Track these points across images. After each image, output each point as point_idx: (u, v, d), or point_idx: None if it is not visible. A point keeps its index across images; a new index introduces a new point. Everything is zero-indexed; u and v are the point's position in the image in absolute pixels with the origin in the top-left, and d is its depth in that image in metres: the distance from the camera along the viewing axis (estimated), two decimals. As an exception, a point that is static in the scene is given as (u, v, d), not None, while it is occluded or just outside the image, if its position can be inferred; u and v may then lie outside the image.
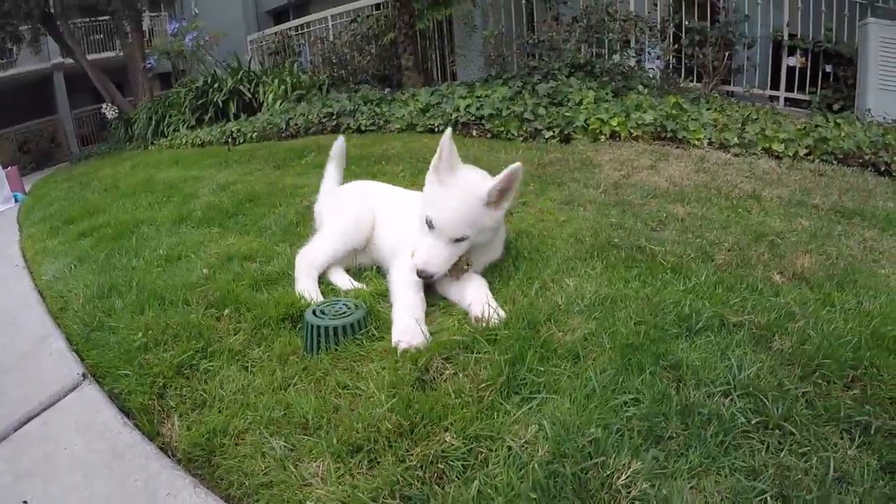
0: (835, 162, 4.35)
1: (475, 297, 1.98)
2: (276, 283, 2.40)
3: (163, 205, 4.31)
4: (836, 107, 6.91)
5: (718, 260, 2.34)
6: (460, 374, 1.65)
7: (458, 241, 2.00)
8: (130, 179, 6.11)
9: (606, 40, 7.06)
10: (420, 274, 1.99)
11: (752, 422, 1.41)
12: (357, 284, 2.29)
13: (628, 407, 1.45)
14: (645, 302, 1.92)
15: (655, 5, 7.64)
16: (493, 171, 2.10)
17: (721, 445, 1.34)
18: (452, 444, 1.37)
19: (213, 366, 1.86)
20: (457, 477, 1.30)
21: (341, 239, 2.41)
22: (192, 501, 1.41)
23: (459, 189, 2.01)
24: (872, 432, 1.39)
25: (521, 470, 1.28)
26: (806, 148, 4.43)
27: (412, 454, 1.37)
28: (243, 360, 1.88)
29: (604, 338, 1.73)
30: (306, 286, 2.23)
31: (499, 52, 7.54)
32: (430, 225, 2.01)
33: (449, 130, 2.06)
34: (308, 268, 2.31)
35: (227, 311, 2.17)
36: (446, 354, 1.74)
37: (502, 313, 1.90)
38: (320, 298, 2.16)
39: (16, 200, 7.26)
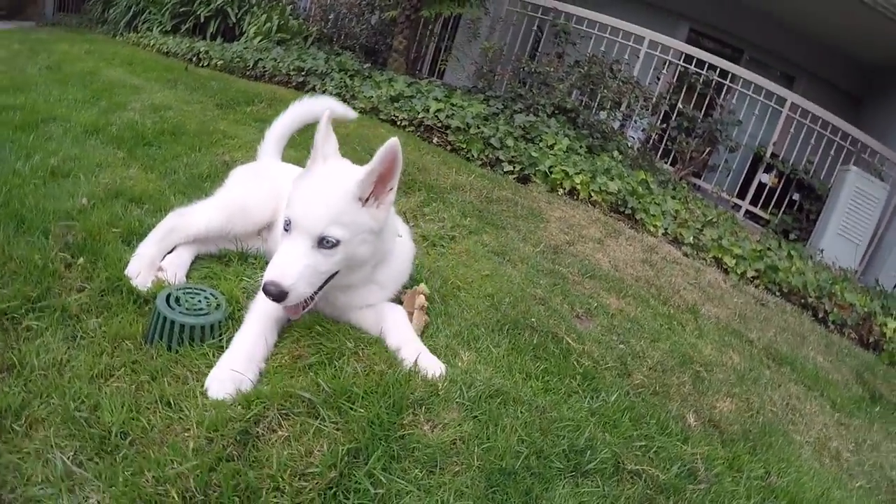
0: (779, 293, 4.27)
1: (402, 338, 1.70)
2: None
3: (87, 105, 3.84)
4: (791, 235, 6.91)
5: (636, 378, 2.05)
6: (293, 443, 1.31)
7: (325, 246, 1.53)
8: (77, 65, 5.52)
9: (599, 94, 6.83)
10: (268, 290, 1.47)
11: None
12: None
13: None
14: (539, 414, 1.58)
15: (658, 79, 7.47)
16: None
17: None
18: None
19: (38, 325, 1.53)
20: None
21: (224, 214, 2.00)
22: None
23: (322, 177, 1.61)
24: None
25: None
26: (755, 271, 4.30)
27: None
28: (74, 328, 1.56)
29: (476, 450, 1.38)
30: (142, 263, 1.81)
31: (491, 67, 7.21)
32: (286, 227, 1.56)
33: (328, 113, 1.71)
34: (168, 233, 1.91)
35: (81, 260, 1.81)
36: (286, 410, 1.38)
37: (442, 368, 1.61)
38: (147, 285, 1.75)
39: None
